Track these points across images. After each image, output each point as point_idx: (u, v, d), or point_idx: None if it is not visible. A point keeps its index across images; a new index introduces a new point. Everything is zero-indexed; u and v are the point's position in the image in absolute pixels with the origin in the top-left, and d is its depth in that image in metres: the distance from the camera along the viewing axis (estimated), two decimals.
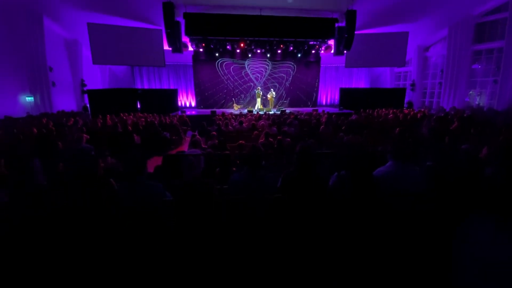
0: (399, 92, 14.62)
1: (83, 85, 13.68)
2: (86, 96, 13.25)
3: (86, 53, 13.13)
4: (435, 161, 2.41)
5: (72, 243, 1.35)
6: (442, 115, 9.27)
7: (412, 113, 9.71)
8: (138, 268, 1.35)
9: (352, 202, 1.57)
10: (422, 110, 11.08)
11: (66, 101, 12.75)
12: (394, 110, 10.85)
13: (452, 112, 9.75)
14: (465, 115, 8.63)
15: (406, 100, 14.85)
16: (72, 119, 8.38)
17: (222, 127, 7.21)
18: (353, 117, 9.22)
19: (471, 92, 12.75)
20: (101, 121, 8.20)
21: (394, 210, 1.59)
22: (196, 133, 6.27)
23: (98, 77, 14.98)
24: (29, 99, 10.98)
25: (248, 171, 1.87)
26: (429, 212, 1.58)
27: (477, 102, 12.41)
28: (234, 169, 3.15)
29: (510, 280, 1.02)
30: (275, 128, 6.86)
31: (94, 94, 12.40)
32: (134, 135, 6.20)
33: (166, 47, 12.69)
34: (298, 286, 1.33)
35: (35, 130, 6.29)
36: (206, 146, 4.82)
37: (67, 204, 1.43)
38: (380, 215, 1.53)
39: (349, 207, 1.55)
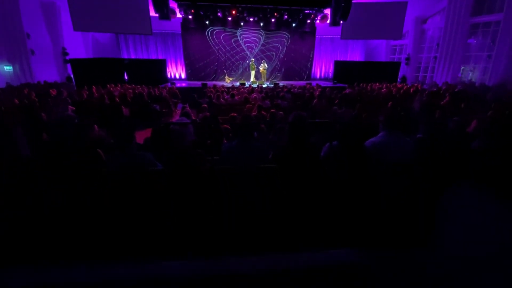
0: (394, 66, 14.46)
1: (65, 53, 12.88)
2: (69, 66, 12.55)
3: (66, 18, 12.17)
4: (425, 133, 2.43)
5: (61, 213, 1.33)
6: (435, 90, 9.29)
7: (405, 87, 9.68)
8: (129, 238, 1.36)
9: (344, 172, 1.58)
10: (415, 85, 11.06)
11: (47, 70, 12.06)
12: (388, 84, 10.79)
13: (444, 87, 9.77)
14: (456, 90, 8.66)
15: (400, 74, 14.73)
16: (56, 90, 8.00)
17: (214, 100, 7.05)
18: (347, 91, 9.14)
19: (463, 67, 12.70)
20: (87, 92, 7.86)
21: (385, 178, 1.63)
22: (186, 105, 6.12)
23: (80, 46, 14.08)
24: (8, 68, 10.33)
25: (240, 140, 1.84)
26: (418, 179, 1.63)
27: (469, 78, 12.42)
28: (225, 141, 3.11)
29: (492, 243, 1.07)
30: (268, 101, 6.76)
31: (77, 64, 11.74)
32: (122, 107, 6.00)
33: (152, 13, 11.87)
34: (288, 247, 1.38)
35: (16, 101, 6.01)
36: (196, 119, 4.73)
37: (53, 174, 1.39)
38: (371, 184, 1.56)
39: (341, 176, 1.57)
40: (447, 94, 7.46)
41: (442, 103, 6.51)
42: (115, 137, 1.80)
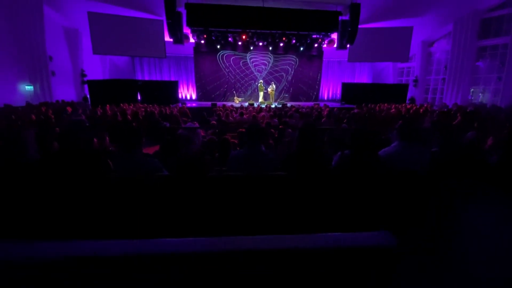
0: (402, 88, 14.51)
1: (83, 75, 13.58)
2: (86, 86, 13.17)
3: (86, 42, 13.01)
4: (440, 147, 2.35)
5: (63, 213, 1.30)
6: (445, 110, 9.18)
7: (414, 108, 9.62)
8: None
9: (355, 181, 1.52)
10: (425, 105, 10.99)
11: (66, 91, 12.67)
12: (396, 105, 10.75)
13: (455, 108, 9.65)
14: (468, 110, 8.53)
15: (408, 96, 14.74)
16: (71, 108, 8.32)
17: (223, 118, 7.15)
18: (355, 110, 9.14)
19: (472, 89, 12.63)
20: (101, 110, 8.14)
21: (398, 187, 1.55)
22: (195, 123, 6.22)
23: (98, 68, 14.86)
24: (29, 88, 10.90)
25: (248, 148, 1.81)
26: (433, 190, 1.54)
27: (480, 100, 12.30)
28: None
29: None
30: (276, 120, 6.80)
31: (94, 85, 12.30)
32: (134, 124, 6.14)
33: (167, 38, 12.56)
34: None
35: (33, 116, 6.25)
36: (205, 135, 4.77)
37: (59, 176, 1.38)
38: (383, 193, 1.48)
39: (351, 185, 1.50)
40: (458, 114, 7.35)
41: (454, 123, 6.39)
42: (122, 142, 1.81)
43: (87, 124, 1.70)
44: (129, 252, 0.58)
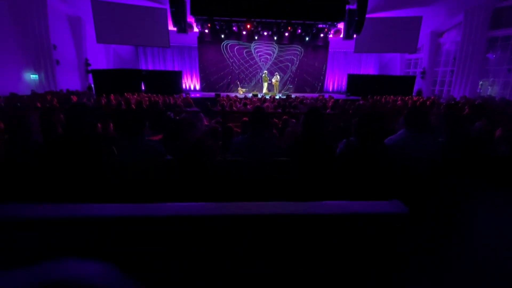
0: (409, 80, 14.22)
1: (87, 64, 13.56)
2: (90, 75, 13.17)
3: (90, 32, 12.94)
4: (449, 137, 2.31)
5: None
6: (453, 102, 9.00)
7: (421, 100, 9.47)
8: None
9: (360, 168, 1.49)
10: (432, 98, 10.79)
11: (70, 80, 12.70)
12: (403, 97, 10.57)
13: (463, 101, 9.45)
14: (476, 103, 8.35)
15: (415, 88, 14.46)
16: (76, 97, 8.36)
17: (226, 108, 7.12)
18: (360, 102, 9.02)
19: (481, 82, 12.34)
20: (105, 100, 8.15)
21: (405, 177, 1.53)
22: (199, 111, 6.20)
23: (102, 57, 14.83)
24: (34, 76, 10.94)
25: (252, 133, 1.80)
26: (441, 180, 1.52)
27: (488, 92, 12.03)
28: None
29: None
30: (280, 110, 6.75)
31: (98, 74, 12.29)
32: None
33: (171, 27, 12.41)
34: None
35: (38, 104, 6.29)
36: (208, 124, 4.76)
37: (62, 158, 1.39)
38: (389, 183, 1.47)
39: (356, 171, 1.48)
40: (466, 107, 7.20)
41: (462, 114, 6.26)
42: (126, 128, 1.81)
43: (91, 108, 1.70)
44: (131, 214, 0.60)
